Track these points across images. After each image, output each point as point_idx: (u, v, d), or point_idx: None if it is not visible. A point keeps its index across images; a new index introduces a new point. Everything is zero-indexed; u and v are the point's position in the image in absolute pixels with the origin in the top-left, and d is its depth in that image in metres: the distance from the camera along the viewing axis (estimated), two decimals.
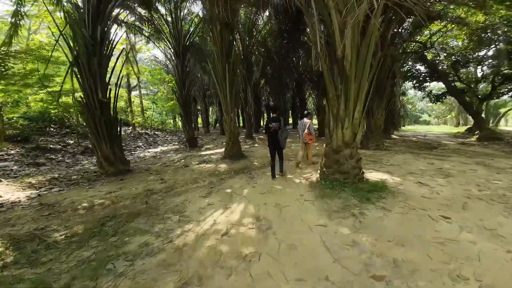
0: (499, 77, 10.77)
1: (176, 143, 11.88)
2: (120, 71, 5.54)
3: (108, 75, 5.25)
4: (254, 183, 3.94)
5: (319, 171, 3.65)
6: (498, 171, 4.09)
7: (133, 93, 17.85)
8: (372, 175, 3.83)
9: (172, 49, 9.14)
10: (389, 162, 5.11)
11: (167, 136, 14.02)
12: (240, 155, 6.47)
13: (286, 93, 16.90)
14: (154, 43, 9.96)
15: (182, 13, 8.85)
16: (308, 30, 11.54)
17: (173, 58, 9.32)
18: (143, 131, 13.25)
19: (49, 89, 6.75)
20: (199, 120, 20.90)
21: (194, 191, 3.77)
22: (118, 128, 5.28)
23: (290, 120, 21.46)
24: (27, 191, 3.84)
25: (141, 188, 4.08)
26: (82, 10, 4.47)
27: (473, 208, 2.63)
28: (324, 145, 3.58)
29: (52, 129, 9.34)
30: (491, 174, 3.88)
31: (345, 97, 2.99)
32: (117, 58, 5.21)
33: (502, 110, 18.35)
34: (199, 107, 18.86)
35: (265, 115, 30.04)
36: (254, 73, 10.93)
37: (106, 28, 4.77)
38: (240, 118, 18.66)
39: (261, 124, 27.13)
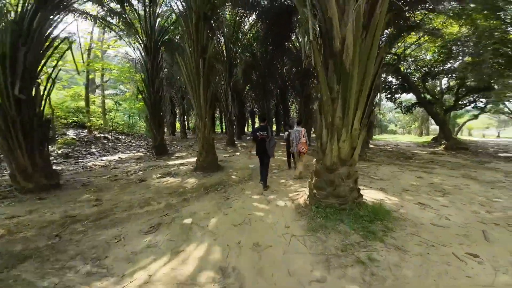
0: (463, 89, 11.77)
1: (143, 149, 10.27)
2: (56, 64, 4.20)
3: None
4: (227, 208, 2.99)
5: (308, 192, 2.88)
6: (490, 185, 3.88)
7: (98, 92, 15.59)
8: (366, 194, 3.21)
9: (142, 45, 7.92)
10: (377, 175, 4.67)
11: (133, 141, 12.21)
12: (216, 166, 5.47)
13: (270, 100, 16.51)
14: (121, 38, 8.62)
15: (159, 9, 7.80)
16: (296, 32, 11.53)
17: (143, 54, 8.09)
18: (101, 135, 11.27)
19: None
20: (178, 124, 19.19)
21: (138, 219, 2.68)
22: (45, 132, 3.90)
23: (274, 127, 21.08)
24: None
25: (61, 212, 2.84)
26: None
27: (497, 239, 2.13)
28: (314, 160, 2.85)
29: None
30: (486, 190, 3.60)
31: (343, 100, 2.33)
32: (53, 49, 3.88)
33: (459, 121, 20.63)
34: (177, 111, 17.30)
35: (249, 121, 29.46)
36: (236, 73, 10.19)
37: (40, 16, 3.52)
38: (223, 124, 17.58)
39: (245, 130, 26.48)
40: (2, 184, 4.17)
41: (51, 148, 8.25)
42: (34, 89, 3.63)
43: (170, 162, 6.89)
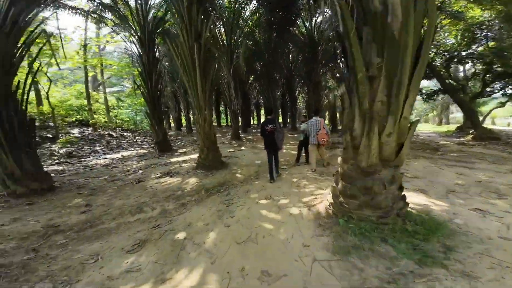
0: (490, 75, 10.49)
1: (147, 146, 10.00)
2: (35, 58, 3.76)
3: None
4: (229, 217, 2.50)
5: (331, 199, 2.29)
6: None
7: (108, 90, 15.42)
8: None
9: (136, 37, 7.38)
10: (409, 171, 3.98)
11: (137, 138, 11.99)
12: (219, 163, 4.99)
13: (275, 90, 15.65)
14: (117, 33, 8.12)
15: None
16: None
17: (138, 47, 7.56)
18: (106, 133, 11.11)
19: None
20: (183, 119, 18.88)
21: (126, 231, 2.27)
22: (31, 133, 3.53)
23: (280, 119, 20.27)
24: None
25: (44, 221, 2.51)
26: None
27: None
28: (340, 160, 2.25)
29: None
30: None
31: (388, 79, 1.67)
32: (25, 43, 3.41)
33: (482, 109, 18.83)
34: (182, 105, 16.91)
35: (254, 113, 28.69)
36: (237, 57, 9.49)
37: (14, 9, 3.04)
38: (229, 117, 17.02)
39: (251, 123, 25.78)
40: None
41: (54, 147, 8.14)
42: (12, 86, 3.20)
43: (173, 159, 6.51)
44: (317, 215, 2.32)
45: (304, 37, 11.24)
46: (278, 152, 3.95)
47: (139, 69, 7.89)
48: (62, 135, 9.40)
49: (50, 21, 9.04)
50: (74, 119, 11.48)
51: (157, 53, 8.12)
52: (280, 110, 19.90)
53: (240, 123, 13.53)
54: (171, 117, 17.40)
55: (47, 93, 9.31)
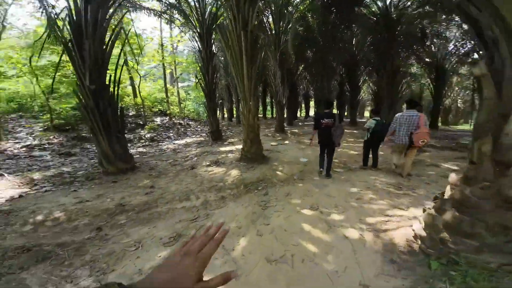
0: None
1: (204, 134, 11.33)
2: (119, 56, 4.71)
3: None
4: (264, 223, 2.30)
5: (420, 228, 1.61)
6: None
7: (180, 84, 18.60)
8: None
9: (197, 33, 8.11)
10: None
11: (199, 126, 13.82)
12: (261, 157, 4.87)
13: (331, 79, 13.70)
14: (184, 32, 9.26)
15: None
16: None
17: (198, 43, 8.32)
18: (177, 121, 13.40)
19: None
20: (234, 110, 20.27)
21: (171, 218, 2.51)
22: (121, 121, 4.55)
23: (334, 111, 17.83)
24: (19, 189, 3.53)
25: (118, 199, 3.14)
26: None
27: None
28: (459, 179, 1.52)
29: None
30: None
31: None
32: (111, 41, 4.24)
33: None
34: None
35: (302, 105, 26.79)
36: (285, 41, 8.81)
37: (102, 10, 3.87)
38: (274, 109, 16.72)
39: (298, 115, 24.32)
40: (96, 166, 5.06)
41: (142, 132, 10.61)
42: (104, 82, 4.16)
43: (221, 148, 6.99)
44: (389, 246, 1.73)
45: (376, 16, 8.97)
46: (333, 150, 3.68)
47: (199, 64, 8.75)
48: (148, 122, 12.14)
49: (136, 23, 11.42)
50: (157, 109, 14.52)
51: (213, 48, 8.70)
52: (334, 101, 17.49)
53: (285, 115, 12.92)
54: (225, 109, 18.89)
55: (138, 87, 12.11)
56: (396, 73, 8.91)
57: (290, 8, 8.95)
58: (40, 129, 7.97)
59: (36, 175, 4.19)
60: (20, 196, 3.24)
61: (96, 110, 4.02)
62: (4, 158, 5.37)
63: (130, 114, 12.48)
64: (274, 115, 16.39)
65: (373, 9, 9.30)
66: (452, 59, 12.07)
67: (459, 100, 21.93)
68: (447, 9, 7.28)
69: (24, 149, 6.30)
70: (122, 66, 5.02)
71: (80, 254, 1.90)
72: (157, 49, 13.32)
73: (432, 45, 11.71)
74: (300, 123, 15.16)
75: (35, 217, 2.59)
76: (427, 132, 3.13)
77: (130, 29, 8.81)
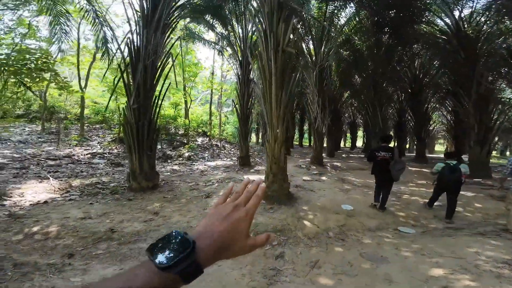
0: None
1: (235, 158, 11.24)
2: (165, 80, 5.22)
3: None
4: None
5: None
6: None
7: (225, 109, 20.67)
8: None
9: (238, 60, 8.75)
10: None
11: (232, 149, 14.08)
12: (285, 196, 3.91)
13: (386, 107, 11.61)
14: (227, 59, 10.32)
15: (250, 25, 8.32)
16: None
17: (238, 69, 8.89)
18: (215, 143, 14.16)
19: None
20: None
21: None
22: (155, 139, 4.78)
23: (392, 144, 14.71)
24: (52, 194, 3.89)
25: (115, 222, 2.87)
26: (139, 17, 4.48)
27: None
28: None
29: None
30: None
31: None
32: (161, 66, 4.74)
33: None
34: None
35: (348, 134, 23.92)
36: (327, 72, 8.11)
37: (155, 36, 4.51)
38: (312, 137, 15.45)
39: (341, 145, 21.59)
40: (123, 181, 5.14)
41: (183, 150, 11.54)
42: (148, 103, 4.54)
43: (245, 177, 6.37)
44: None
45: (445, 35, 7.41)
46: (391, 183, 3.49)
47: (237, 90, 9.17)
48: (191, 142, 13.32)
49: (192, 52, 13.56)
50: (201, 130, 16.04)
51: (251, 74, 9.06)
52: (392, 131, 14.61)
53: (325, 145, 11.40)
54: (260, 134, 19.03)
55: (188, 109, 13.81)
56: (487, 99, 6.56)
57: (332, 32, 8.55)
58: (109, 140, 9.77)
59: (76, 182, 4.68)
60: (45, 202, 3.48)
61: (135, 128, 4.33)
62: (68, 162, 6.50)
63: (180, 133, 14.12)
64: (312, 143, 15.08)
65: (439, 27, 7.79)
66: None
67: None
68: None
69: (88, 155, 7.63)
70: (166, 90, 5.53)
71: (21, 281, 1.61)
72: (209, 77, 15.42)
73: None
74: (344, 155, 13.10)
75: (33, 227, 2.55)
76: None
77: (177, 55, 10.34)
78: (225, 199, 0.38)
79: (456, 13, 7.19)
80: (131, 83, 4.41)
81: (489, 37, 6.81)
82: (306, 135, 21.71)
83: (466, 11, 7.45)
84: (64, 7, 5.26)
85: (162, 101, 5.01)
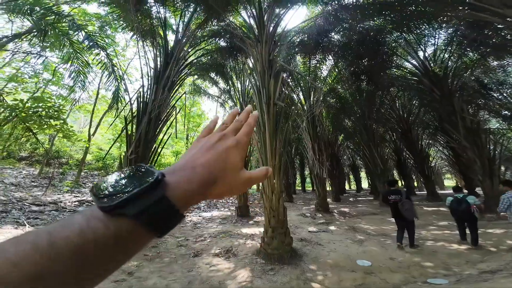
0: None
1: (233, 208, 10.42)
2: (167, 130, 5.58)
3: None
4: None
5: None
6: None
7: None
8: None
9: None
10: None
11: (231, 198, 13.28)
12: (287, 254, 3.32)
13: (381, 147, 11.88)
14: (223, 106, 11.55)
15: (247, 81, 9.80)
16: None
17: None
18: None
19: None
20: None
21: None
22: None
23: (399, 183, 14.01)
24: None
25: None
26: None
27: None
28: None
29: None
30: None
31: None
32: (166, 119, 5.22)
33: None
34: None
35: (351, 176, 23.22)
36: (318, 120, 8.73)
37: (163, 91, 5.11)
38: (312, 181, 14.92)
39: (346, 188, 20.51)
40: None
41: None
42: (147, 153, 4.64)
43: (243, 230, 5.68)
44: None
45: (415, 76, 8.59)
46: (413, 224, 3.66)
47: None
48: None
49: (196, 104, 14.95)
50: None
51: None
52: (395, 171, 14.22)
53: (331, 190, 10.86)
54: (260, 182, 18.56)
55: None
56: (476, 131, 6.73)
57: (318, 83, 9.81)
58: None
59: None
60: None
61: None
62: (52, 209, 5.91)
63: None
64: (315, 188, 14.30)
65: (408, 69, 8.88)
66: None
67: None
68: (496, 51, 6.12)
69: (76, 203, 7.06)
70: (167, 140, 5.79)
71: None
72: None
73: (504, 95, 9.30)
74: (351, 199, 12.22)
75: None
76: None
77: (182, 107, 11.43)
78: (208, 132, 0.31)
79: (421, 54, 8.04)
80: (133, 134, 4.68)
81: (456, 72, 7.46)
82: (308, 179, 21.12)
83: (430, 50, 8.28)
84: (84, 57, 5.46)
85: (161, 150, 5.16)
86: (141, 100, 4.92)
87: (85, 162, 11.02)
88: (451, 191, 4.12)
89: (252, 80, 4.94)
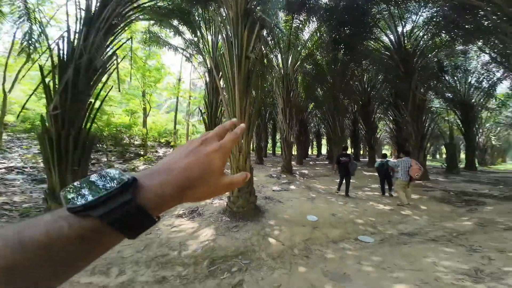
0: None
1: None
2: (105, 83, 4.41)
3: None
4: None
5: None
6: None
7: (196, 118, 19.38)
8: None
9: (207, 68, 8.36)
10: None
11: None
12: (251, 211, 3.57)
13: (343, 117, 12.93)
14: (190, 61, 9.88)
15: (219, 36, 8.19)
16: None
17: (207, 77, 8.49)
18: None
19: None
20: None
21: None
22: (85, 152, 3.81)
23: (351, 151, 16.43)
24: None
25: None
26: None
27: None
28: None
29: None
30: None
31: None
32: (103, 69, 4.00)
33: None
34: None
35: (314, 142, 25.76)
36: (294, 84, 8.59)
37: (97, 35, 3.77)
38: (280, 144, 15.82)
39: (309, 153, 23.00)
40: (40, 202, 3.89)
41: (136, 163, 10.03)
42: (79, 108, 3.65)
43: None
44: None
45: (388, 50, 8.73)
46: (350, 177, 5.09)
47: (205, 98, 8.67)
48: (150, 153, 11.79)
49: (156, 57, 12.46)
50: (164, 140, 14.52)
51: (221, 82, 8.78)
52: (349, 140, 16.27)
53: (295, 153, 11.82)
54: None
55: (145, 116, 12.37)
56: (421, 109, 7.84)
57: (299, 47, 9.11)
58: (36, 152, 7.72)
59: None
60: None
61: (56, 137, 3.38)
62: None
63: (136, 143, 12.45)
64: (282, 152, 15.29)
65: (385, 43, 8.92)
66: (478, 93, 10.94)
67: (492, 137, 19.56)
68: (465, 36, 6.71)
69: (3, 170, 5.80)
70: (106, 94, 4.70)
71: None
72: (175, 84, 14.32)
73: (455, 79, 10.93)
74: (311, 162, 13.77)
75: None
76: (418, 167, 4.21)
77: (131, 59, 9.38)
78: (223, 131, 0.32)
79: (400, 29, 8.06)
80: (56, 86, 3.49)
81: (423, 52, 7.89)
82: (279, 144, 22.41)
83: (409, 26, 8.26)
84: None
85: (101, 104, 4.14)
86: (66, 46, 3.56)
87: (7, 123, 8.76)
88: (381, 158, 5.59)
89: (223, 29, 4.03)
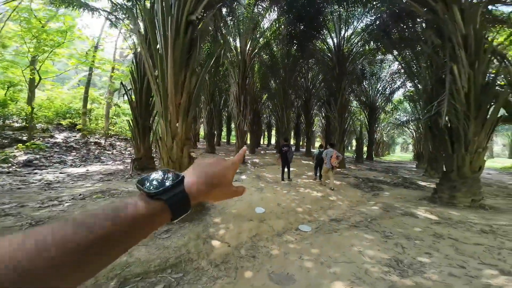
0: None
1: (129, 161, 8.37)
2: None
3: None
4: None
5: None
6: None
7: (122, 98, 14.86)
8: None
9: (140, 35, 6.29)
10: None
11: (129, 149, 10.54)
12: (193, 210, 2.89)
13: (290, 111, 13.96)
14: (115, 26, 7.30)
15: None
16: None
17: (136, 45, 6.54)
18: (94, 140, 9.81)
19: None
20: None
21: None
22: None
23: (292, 142, 18.26)
24: None
25: None
26: None
27: None
28: None
29: None
30: None
31: None
32: None
33: None
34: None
35: (265, 133, 27.02)
36: (250, 72, 8.23)
37: None
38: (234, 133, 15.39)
39: (261, 142, 23.96)
40: None
41: (14, 151, 6.72)
42: None
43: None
44: None
45: (330, 52, 9.77)
46: (289, 164, 5.96)
47: (132, 69, 6.66)
48: (39, 138, 8.17)
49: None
50: (67, 122, 10.49)
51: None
52: (293, 132, 17.99)
53: (248, 142, 11.76)
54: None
55: (33, 90, 8.43)
56: (345, 108, 9.42)
57: (258, 34, 8.61)
58: None
59: None
60: None
61: None
62: None
63: (16, 126, 8.39)
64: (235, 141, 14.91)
65: (328, 45, 9.75)
66: (381, 98, 14.10)
67: (384, 134, 27.35)
68: (389, 46, 7.84)
69: None
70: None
71: None
72: (88, 51, 10.08)
73: (369, 84, 13.74)
74: (262, 152, 14.17)
75: None
76: (336, 157, 5.16)
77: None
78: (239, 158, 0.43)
79: (343, 33, 8.83)
80: None
81: (355, 57, 9.05)
82: (234, 132, 21.76)
83: (350, 31, 9.11)
84: None
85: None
86: None
87: None
88: (317, 148, 6.59)
89: None
